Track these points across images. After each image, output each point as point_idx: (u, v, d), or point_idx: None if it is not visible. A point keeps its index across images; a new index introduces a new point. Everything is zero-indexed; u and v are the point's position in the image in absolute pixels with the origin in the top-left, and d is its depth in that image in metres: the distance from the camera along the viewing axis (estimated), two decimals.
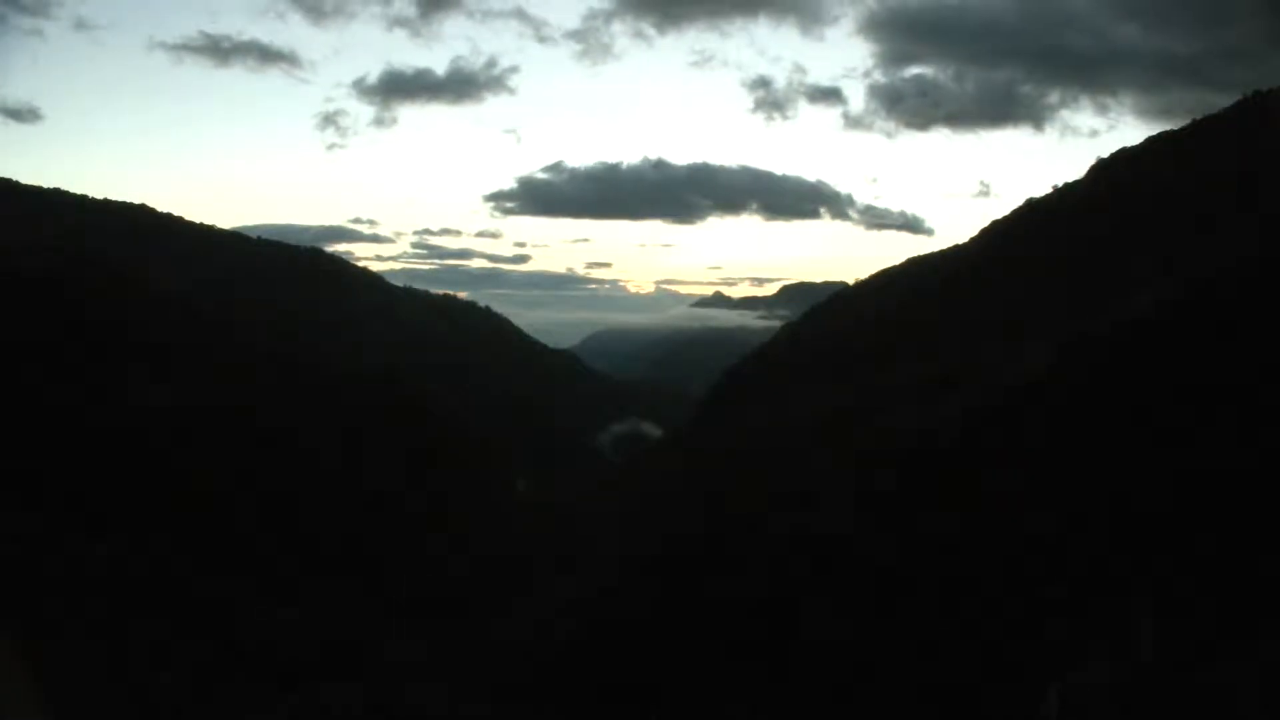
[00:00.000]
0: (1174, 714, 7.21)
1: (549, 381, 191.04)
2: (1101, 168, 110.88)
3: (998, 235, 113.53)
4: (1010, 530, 41.22)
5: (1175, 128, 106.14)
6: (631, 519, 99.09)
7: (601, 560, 77.90)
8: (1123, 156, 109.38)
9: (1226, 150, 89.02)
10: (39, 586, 31.63)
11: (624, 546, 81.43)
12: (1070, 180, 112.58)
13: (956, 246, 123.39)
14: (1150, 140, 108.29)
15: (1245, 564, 30.55)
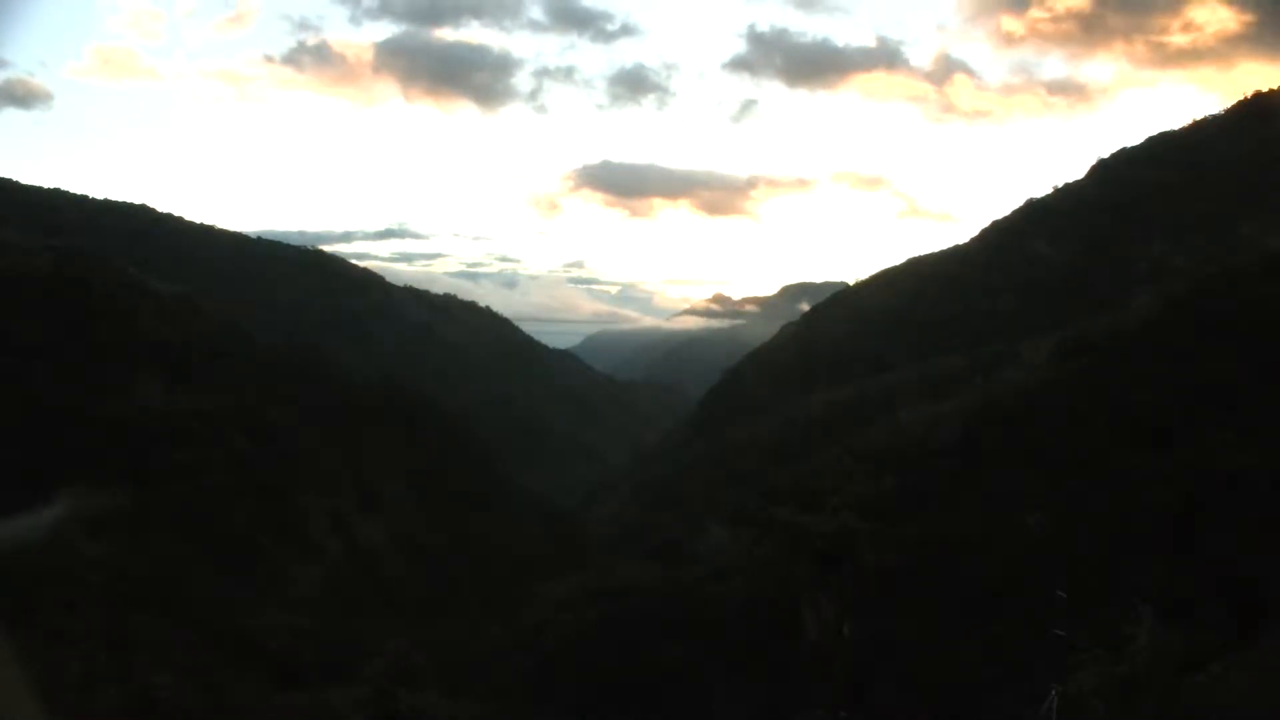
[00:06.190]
0: (1173, 715, 7.23)
1: (549, 381, 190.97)
2: (1101, 168, 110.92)
3: (998, 235, 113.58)
4: (1010, 530, 41.24)
5: (1175, 128, 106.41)
6: (632, 519, 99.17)
7: (602, 560, 77.94)
8: (1123, 156, 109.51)
9: (1226, 150, 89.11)
10: (39, 586, 31.64)
11: (624, 546, 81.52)
12: (1070, 180, 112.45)
13: (956, 246, 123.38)
14: (1150, 140, 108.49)
15: (1245, 564, 30.55)
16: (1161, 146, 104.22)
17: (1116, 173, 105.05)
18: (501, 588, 74.88)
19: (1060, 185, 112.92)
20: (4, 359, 57.02)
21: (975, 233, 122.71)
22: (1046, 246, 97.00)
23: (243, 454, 65.80)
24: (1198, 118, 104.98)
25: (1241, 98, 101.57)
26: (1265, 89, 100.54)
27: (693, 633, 45.01)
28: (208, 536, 54.85)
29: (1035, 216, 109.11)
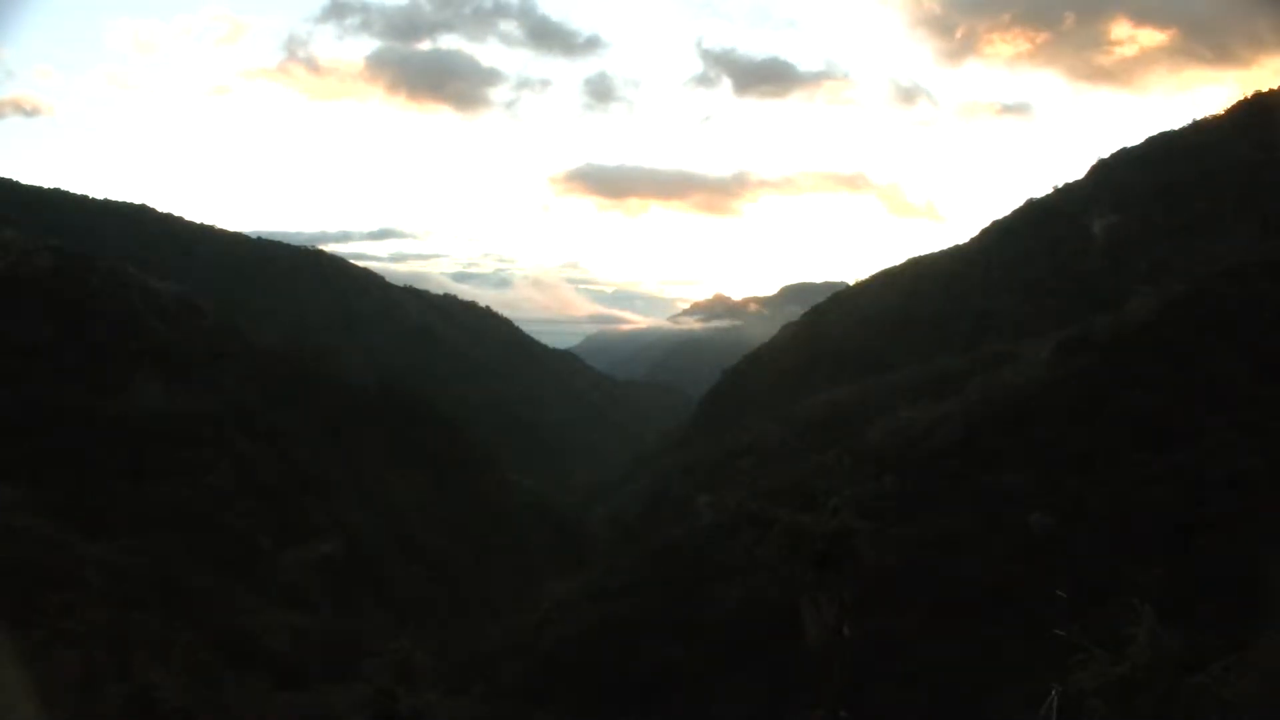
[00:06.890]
0: (1173, 715, 7.24)
1: (549, 381, 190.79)
2: (1101, 168, 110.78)
3: (998, 235, 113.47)
4: (1010, 530, 41.26)
5: (1175, 128, 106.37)
6: (632, 519, 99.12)
7: (602, 561, 77.90)
8: (1123, 156, 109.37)
9: (1227, 150, 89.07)
10: (39, 586, 31.62)
11: (624, 547, 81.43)
12: (1070, 180, 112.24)
13: (957, 246, 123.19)
14: (1150, 140, 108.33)
15: (1245, 564, 30.54)
16: (1162, 147, 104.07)
17: (1116, 173, 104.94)
18: (501, 588, 74.89)
19: (1060, 185, 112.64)
20: (4, 359, 57.01)
21: (973, 233, 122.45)
22: (1046, 246, 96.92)
23: (243, 454, 65.75)
24: (1198, 118, 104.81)
25: (1242, 97, 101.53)
26: (1265, 89, 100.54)
27: (693, 633, 44.98)
28: (208, 536, 54.82)
29: (1035, 216, 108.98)
